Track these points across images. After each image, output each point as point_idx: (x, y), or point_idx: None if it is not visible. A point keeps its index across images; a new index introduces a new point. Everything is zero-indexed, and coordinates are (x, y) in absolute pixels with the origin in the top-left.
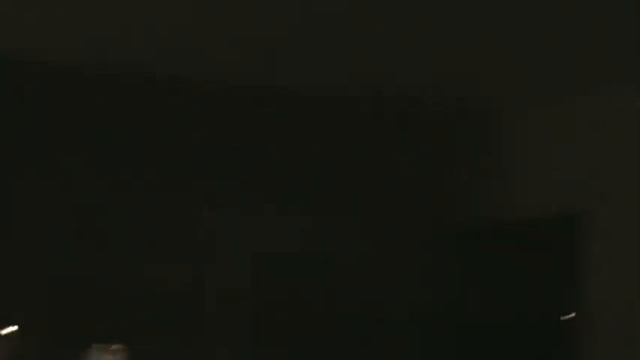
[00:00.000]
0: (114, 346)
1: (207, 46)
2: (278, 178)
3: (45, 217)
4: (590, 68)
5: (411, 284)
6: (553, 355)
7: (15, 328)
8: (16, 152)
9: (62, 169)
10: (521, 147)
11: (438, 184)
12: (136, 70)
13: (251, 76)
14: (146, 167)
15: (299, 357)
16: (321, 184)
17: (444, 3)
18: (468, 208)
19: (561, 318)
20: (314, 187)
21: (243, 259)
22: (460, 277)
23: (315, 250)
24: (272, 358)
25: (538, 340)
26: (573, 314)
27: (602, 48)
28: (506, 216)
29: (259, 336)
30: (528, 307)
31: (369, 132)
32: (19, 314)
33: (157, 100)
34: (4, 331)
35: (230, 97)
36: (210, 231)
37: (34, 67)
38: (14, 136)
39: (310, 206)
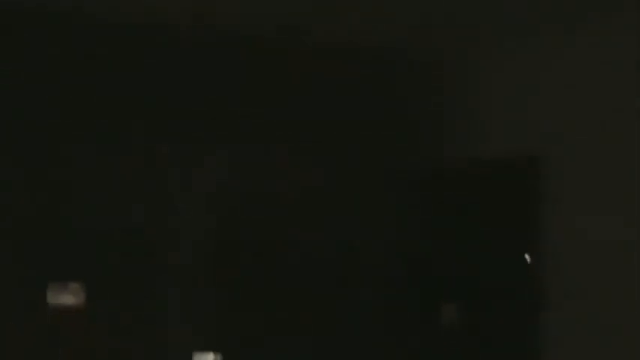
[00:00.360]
0: (71, 285)
1: None
2: (235, 117)
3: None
4: (549, 10)
5: (370, 226)
6: (515, 295)
7: None
8: None
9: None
10: (481, 90)
11: (397, 127)
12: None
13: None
14: (99, 108)
15: (254, 297)
16: (278, 126)
17: None
18: (427, 150)
19: (524, 257)
20: (271, 129)
21: (198, 198)
22: (419, 219)
23: (269, 190)
24: (228, 299)
25: (498, 281)
26: (531, 255)
27: None
28: (465, 158)
29: (214, 276)
30: (488, 248)
31: (326, 78)
32: None
33: (113, 43)
34: None
35: (182, 38)
36: (162, 170)
37: None
38: None
39: (267, 147)
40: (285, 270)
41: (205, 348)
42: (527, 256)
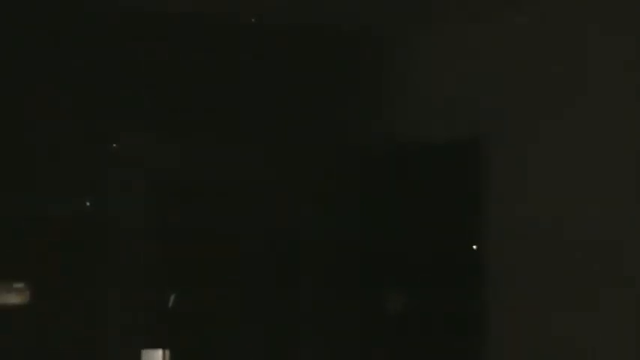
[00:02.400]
0: (16, 285)
1: None
2: (179, 104)
3: None
4: None
5: (316, 211)
6: (462, 283)
7: None
8: None
9: None
10: (426, 70)
11: (339, 109)
12: None
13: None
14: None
15: (197, 291)
16: (224, 111)
17: None
18: (373, 134)
19: (472, 247)
20: (217, 114)
21: (140, 188)
22: (362, 204)
23: (217, 179)
24: (176, 294)
25: (446, 269)
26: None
27: None
28: (408, 141)
29: (160, 270)
30: (435, 235)
31: (272, 59)
32: None
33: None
34: None
35: (124, 22)
36: (105, 160)
37: None
38: None
39: (213, 134)
40: (227, 260)
41: (153, 345)
42: (474, 246)
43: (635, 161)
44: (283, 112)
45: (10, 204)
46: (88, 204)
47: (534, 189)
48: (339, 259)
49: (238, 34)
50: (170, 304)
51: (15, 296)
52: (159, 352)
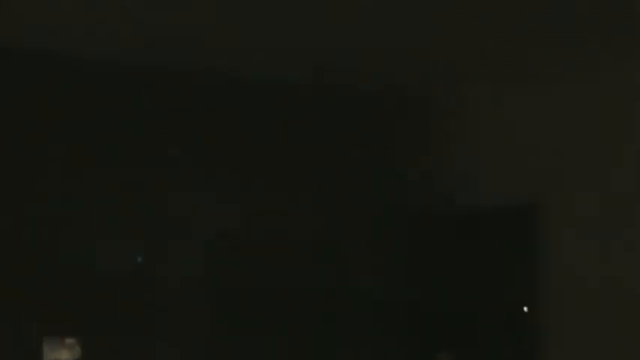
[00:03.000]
0: (68, 340)
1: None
2: (233, 162)
3: None
4: (546, 57)
5: (365, 272)
6: (513, 344)
7: None
8: None
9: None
10: (481, 136)
11: (395, 173)
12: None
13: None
14: (96, 153)
15: (253, 344)
16: (274, 169)
17: None
18: (427, 197)
19: (523, 308)
20: (268, 171)
21: (196, 244)
22: (416, 266)
23: (269, 233)
24: (229, 348)
25: (497, 329)
26: (531, 305)
27: (557, 35)
28: (464, 205)
29: (216, 326)
30: (488, 296)
31: (325, 122)
32: None
33: (102, 83)
34: None
35: (167, 81)
36: (161, 217)
37: None
38: None
39: (265, 191)
40: (283, 316)
41: None
42: (525, 308)
43: None
44: (344, 174)
45: (64, 260)
46: (140, 260)
47: (589, 250)
48: (391, 318)
49: (286, 96)
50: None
51: (67, 352)
52: None
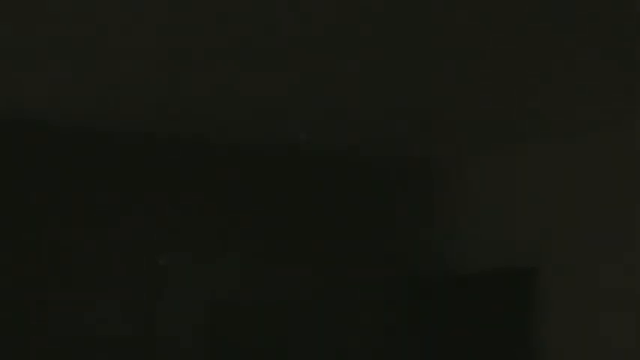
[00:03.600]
0: None
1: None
2: (231, 226)
3: None
4: (541, 119)
5: (366, 336)
6: None
7: None
8: None
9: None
10: (474, 201)
11: (392, 239)
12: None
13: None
14: (98, 213)
15: None
16: (274, 233)
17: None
18: (422, 262)
19: None
20: (268, 236)
21: (196, 308)
22: (414, 331)
23: (269, 300)
24: None
25: None
26: None
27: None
28: (458, 270)
29: None
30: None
31: (324, 187)
32: None
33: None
34: None
35: (179, 148)
36: (161, 279)
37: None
38: None
39: (265, 255)
40: None
41: None
42: None
43: None
44: (340, 238)
45: (68, 323)
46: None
47: (590, 318)
48: None
49: (288, 162)
50: None
51: None
52: None
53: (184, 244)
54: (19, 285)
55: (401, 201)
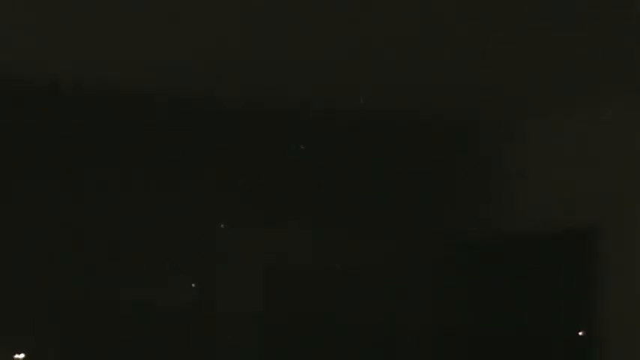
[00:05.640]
0: None
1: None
2: (282, 192)
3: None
4: (600, 79)
5: (418, 298)
6: None
7: (21, 356)
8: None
9: (62, 187)
10: (533, 158)
11: (445, 196)
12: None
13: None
14: (152, 184)
15: None
16: (323, 197)
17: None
18: (479, 221)
19: (578, 333)
20: (316, 201)
21: (254, 275)
22: (472, 292)
23: (322, 263)
24: None
25: (551, 357)
26: (586, 331)
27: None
28: (516, 229)
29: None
30: (541, 323)
31: (370, 146)
32: (27, 340)
33: (162, 118)
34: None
35: (226, 114)
36: (218, 247)
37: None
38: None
39: (313, 219)
40: (335, 346)
41: None
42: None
43: None
44: (387, 198)
45: (114, 292)
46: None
47: None
48: (444, 344)
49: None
50: None
51: None
52: None
53: (245, 210)
54: (79, 250)
55: (453, 164)
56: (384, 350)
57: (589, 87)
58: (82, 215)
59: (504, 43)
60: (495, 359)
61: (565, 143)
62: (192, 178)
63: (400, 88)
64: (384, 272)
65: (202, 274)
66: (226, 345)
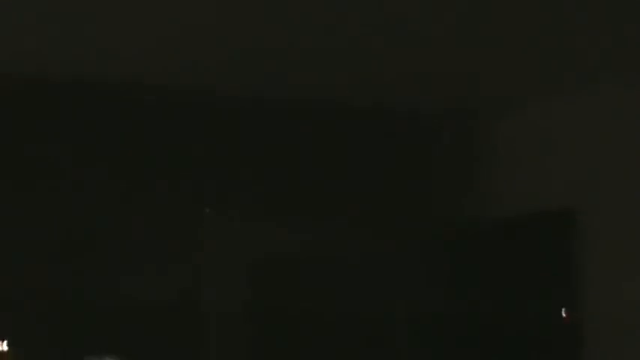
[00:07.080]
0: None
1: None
2: (274, 182)
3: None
4: (583, 65)
5: (407, 285)
6: (551, 355)
7: (4, 343)
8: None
9: (51, 180)
10: (515, 145)
11: (431, 183)
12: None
13: (242, 83)
14: (139, 175)
15: None
16: (316, 188)
17: None
18: (461, 206)
19: (561, 315)
20: (310, 192)
21: (240, 266)
22: (456, 276)
23: (313, 254)
24: None
25: (535, 339)
26: (569, 312)
27: (594, 45)
28: (499, 213)
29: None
30: (524, 306)
31: (362, 136)
32: (7, 329)
33: (150, 108)
34: None
35: (224, 104)
36: (206, 237)
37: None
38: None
39: (306, 210)
40: (326, 340)
41: None
42: (563, 312)
43: None
44: (376, 187)
45: (104, 289)
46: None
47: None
48: (428, 337)
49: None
50: None
51: None
52: None
53: (231, 199)
54: (59, 247)
55: (441, 151)
56: (373, 345)
57: (565, 75)
58: (68, 210)
59: (481, 31)
60: (480, 346)
61: (545, 130)
62: (180, 167)
63: (384, 77)
64: (369, 262)
65: (187, 267)
66: (214, 343)
